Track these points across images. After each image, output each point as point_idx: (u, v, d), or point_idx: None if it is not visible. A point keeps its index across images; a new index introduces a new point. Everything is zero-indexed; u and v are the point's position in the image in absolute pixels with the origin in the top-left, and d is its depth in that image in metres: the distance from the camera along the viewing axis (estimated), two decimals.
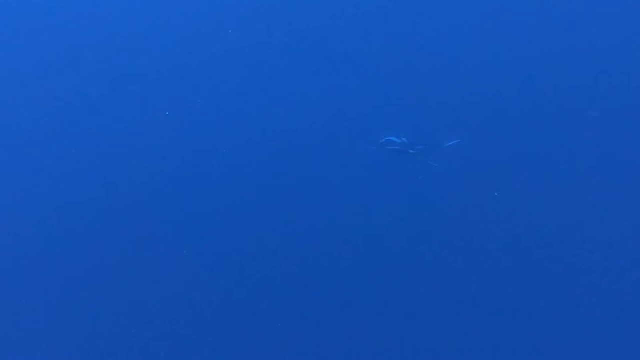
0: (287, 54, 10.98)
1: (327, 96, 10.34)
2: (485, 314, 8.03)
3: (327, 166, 9.55)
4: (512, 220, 8.76)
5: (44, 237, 9.09)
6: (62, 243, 9.01)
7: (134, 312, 8.35)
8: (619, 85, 9.90)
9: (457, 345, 7.85)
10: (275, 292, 8.39)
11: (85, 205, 9.35)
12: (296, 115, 10.11)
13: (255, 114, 10.20)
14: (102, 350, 8.09)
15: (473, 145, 9.44)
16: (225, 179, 9.54)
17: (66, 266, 8.80)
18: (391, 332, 8.01)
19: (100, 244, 8.98)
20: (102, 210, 9.31)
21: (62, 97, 10.66)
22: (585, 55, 10.33)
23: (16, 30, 11.65)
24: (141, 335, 8.16)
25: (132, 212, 9.25)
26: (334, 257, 8.66)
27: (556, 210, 8.77)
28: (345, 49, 10.94)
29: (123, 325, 8.23)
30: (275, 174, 9.55)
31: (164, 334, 8.16)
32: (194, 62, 10.97)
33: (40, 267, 8.83)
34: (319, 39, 11.12)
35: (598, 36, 10.53)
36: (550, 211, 8.77)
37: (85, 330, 8.22)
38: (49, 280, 8.69)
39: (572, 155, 9.28)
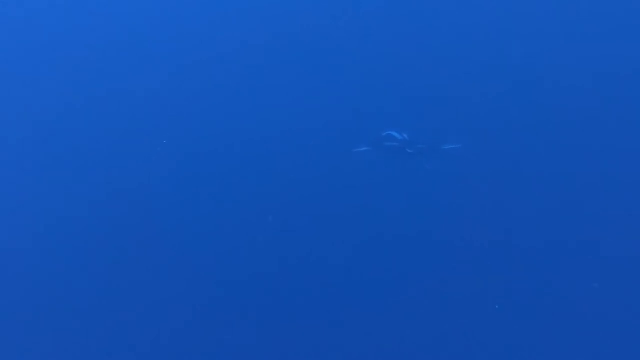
0: (287, 54, 11.00)
1: (327, 96, 10.36)
2: (476, 319, 7.93)
3: (321, 165, 9.54)
4: (504, 227, 8.68)
5: (43, 238, 9.10)
6: (61, 243, 9.02)
7: (134, 313, 8.34)
8: (621, 96, 9.84)
9: (452, 349, 7.79)
10: (268, 292, 8.36)
11: (85, 206, 9.37)
12: (296, 116, 10.11)
13: (255, 115, 10.21)
14: (102, 351, 8.08)
15: (472, 150, 9.36)
16: (220, 175, 9.54)
17: (66, 267, 8.81)
18: (384, 335, 7.93)
19: (100, 244, 8.99)
20: (102, 210, 9.33)
21: (62, 97, 10.68)
22: (587, 58, 10.31)
23: (15, 31, 11.67)
24: (141, 336, 8.16)
25: (131, 212, 9.27)
26: (329, 256, 8.62)
27: (553, 216, 8.70)
28: (353, 48, 10.94)
29: (122, 326, 8.23)
30: (275, 174, 9.55)
31: (163, 334, 8.15)
32: (193, 63, 11.00)
33: (39, 267, 8.84)
34: (323, 39, 11.13)
35: (601, 42, 10.51)
36: (548, 217, 8.70)
37: (84, 331, 8.22)
38: (49, 281, 8.70)
39: (574, 166, 9.19)
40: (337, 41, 11.09)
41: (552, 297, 8.00)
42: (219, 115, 10.29)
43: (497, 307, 7.97)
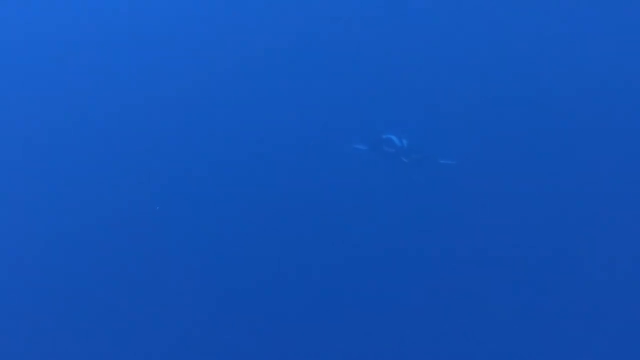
0: (288, 55, 11.02)
1: (326, 96, 10.37)
2: (470, 323, 7.85)
3: (320, 166, 9.56)
4: (499, 236, 8.60)
5: (43, 238, 9.11)
6: (61, 243, 9.03)
7: (134, 313, 8.37)
8: (621, 102, 9.86)
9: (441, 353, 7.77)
10: (263, 294, 8.34)
11: (85, 206, 9.39)
12: (295, 116, 10.13)
13: (255, 115, 10.22)
14: (102, 350, 8.11)
15: (465, 167, 9.21)
16: (218, 179, 9.57)
17: (66, 267, 8.82)
18: (378, 337, 7.88)
19: (100, 244, 8.99)
20: (102, 210, 9.33)
21: (62, 97, 10.71)
22: (589, 62, 10.32)
23: (15, 31, 11.69)
24: (141, 336, 8.18)
25: (131, 212, 9.27)
26: (325, 258, 8.59)
27: (551, 223, 8.66)
28: (359, 50, 10.99)
29: (123, 326, 8.26)
30: (275, 174, 9.58)
31: (164, 334, 8.18)
32: (193, 63, 11.01)
33: (39, 267, 8.86)
34: (328, 41, 11.14)
35: (603, 46, 10.51)
36: (545, 225, 8.67)
37: (84, 331, 8.25)
38: (49, 281, 8.72)
39: (572, 175, 9.16)
40: (349, 43, 11.08)
41: (538, 308, 7.88)
42: (219, 115, 10.31)
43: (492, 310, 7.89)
